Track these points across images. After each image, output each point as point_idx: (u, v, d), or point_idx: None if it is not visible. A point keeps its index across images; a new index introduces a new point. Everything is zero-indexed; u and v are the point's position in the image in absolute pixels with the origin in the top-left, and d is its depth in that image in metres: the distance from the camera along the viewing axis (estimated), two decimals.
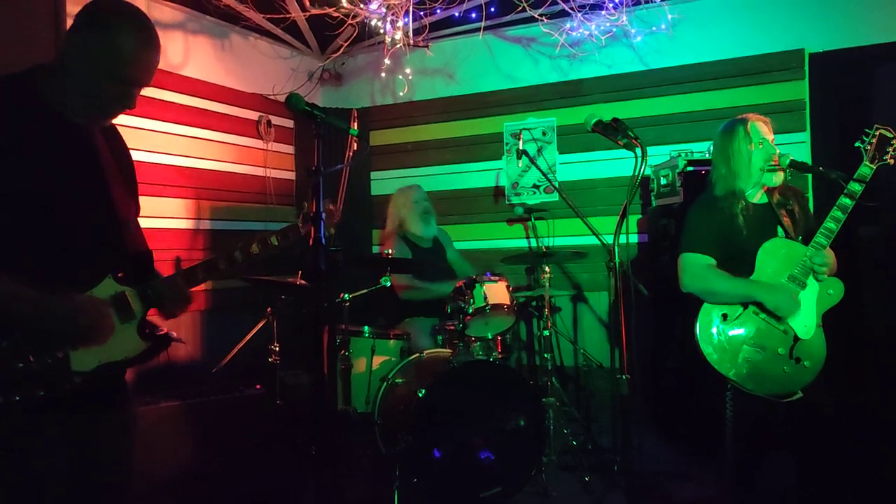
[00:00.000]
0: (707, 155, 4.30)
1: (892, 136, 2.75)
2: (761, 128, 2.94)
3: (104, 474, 1.94)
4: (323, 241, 1.84)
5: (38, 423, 1.73)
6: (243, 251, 2.09)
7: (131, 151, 4.55)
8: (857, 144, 2.80)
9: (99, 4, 1.86)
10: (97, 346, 1.77)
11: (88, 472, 1.89)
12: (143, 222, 4.54)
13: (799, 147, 4.68)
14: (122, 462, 2.01)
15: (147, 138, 4.53)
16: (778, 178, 2.91)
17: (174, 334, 4.82)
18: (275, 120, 5.58)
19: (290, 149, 5.86)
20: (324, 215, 2.02)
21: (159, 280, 1.99)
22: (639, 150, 2.25)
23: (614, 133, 2.36)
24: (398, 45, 4.84)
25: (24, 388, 1.68)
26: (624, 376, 2.27)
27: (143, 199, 4.49)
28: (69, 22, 3.64)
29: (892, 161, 2.73)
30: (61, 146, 1.83)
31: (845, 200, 2.73)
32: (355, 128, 3.84)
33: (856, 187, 2.72)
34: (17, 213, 1.71)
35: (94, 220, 1.86)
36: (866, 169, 2.73)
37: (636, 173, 2.24)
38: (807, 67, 4.73)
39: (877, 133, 2.76)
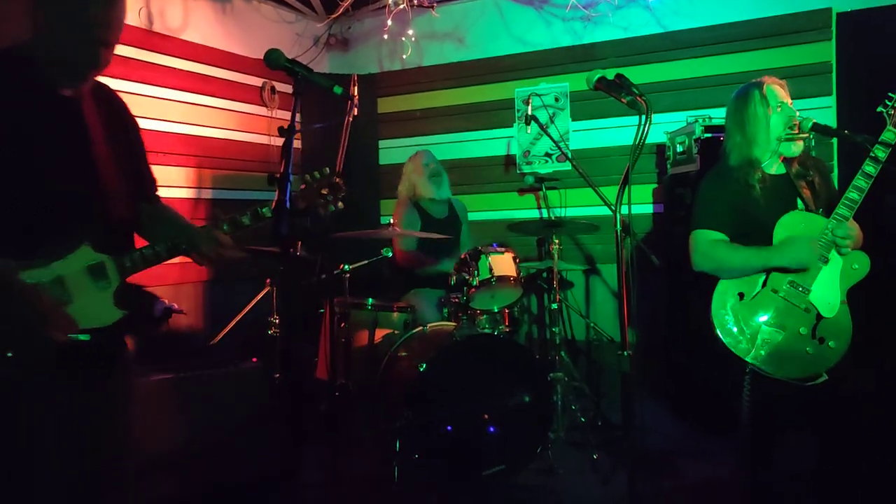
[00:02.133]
0: None
1: None
2: (778, 91, 2.74)
3: (99, 440, 1.93)
4: (287, 205, 1.70)
5: (29, 386, 1.74)
6: (231, 223, 2.05)
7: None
8: (878, 109, 2.60)
9: None
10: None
11: (83, 437, 1.89)
12: None
13: (824, 112, 4.45)
14: (117, 429, 2.01)
15: (145, 104, 4.41)
16: (797, 148, 2.72)
17: (175, 306, 4.75)
18: (279, 86, 5.42)
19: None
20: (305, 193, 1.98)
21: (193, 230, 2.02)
22: (643, 108, 2.07)
23: (618, 90, 2.18)
24: (401, 6, 4.64)
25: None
26: (626, 352, 2.10)
27: None
28: None
29: None
30: (42, 116, 1.84)
31: (869, 168, 2.54)
32: (354, 92, 3.71)
33: (880, 154, 2.53)
34: None
35: (73, 189, 1.87)
36: (890, 134, 2.54)
37: (640, 132, 2.06)
38: (834, 27, 4.48)
39: None
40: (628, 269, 2.21)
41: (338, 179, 2.14)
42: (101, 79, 2.03)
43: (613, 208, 2.14)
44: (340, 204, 2.16)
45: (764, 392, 2.54)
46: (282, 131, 1.81)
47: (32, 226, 1.79)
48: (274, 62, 1.99)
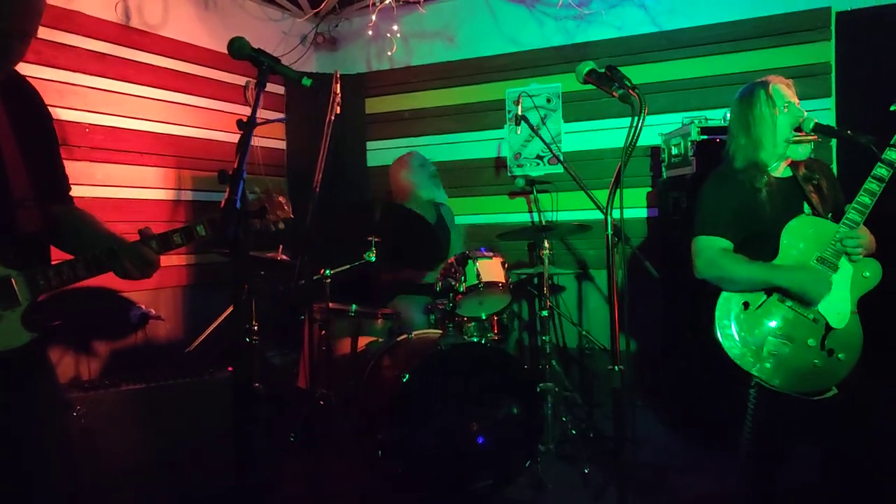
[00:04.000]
0: (723, 122, 3.96)
1: None
2: (785, 91, 2.62)
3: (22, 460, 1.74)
4: (237, 205, 1.53)
5: None
6: (162, 241, 1.87)
7: (105, 116, 4.17)
8: (892, 108, 2.50)
9: None
10: None
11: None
12: (117, 192, 4.25)
13: (824, 113, 4.34)
14: (42, 450, 1.79)
15: (123, 102, 4.23)
16: (805, 150, 2.60)
17: (153, 311, 4.55)
18: None
19: (280, 116, 5.56)
20: (266, 206, 1.82)
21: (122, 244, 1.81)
22: (636, 102, 1.92)
23: (609, 83, 2.04)
24: (387, 2, 4.50)
25: None
26: (617, 367, 1.95)
27: (116, 167, 4.24)
28: None
29: None
30: None
31: (881, 171, 2.42)
32: (337, 90, 3.56)
33: (892, 155, 2.42)
34: None
35: None
36: None
37: (633, 130, 1.91)
38: (833, 27, 4.37)
39: None
40: (620, 276, 2.07)
41: (280, 198, 1.96)
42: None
43: (605, 212, 1.99)
44: (281, 225, 1.98)
45: (769, 406, 2.41)
46: (241, 125, 1.64)
47: None
48: (238, 51, 1.84)
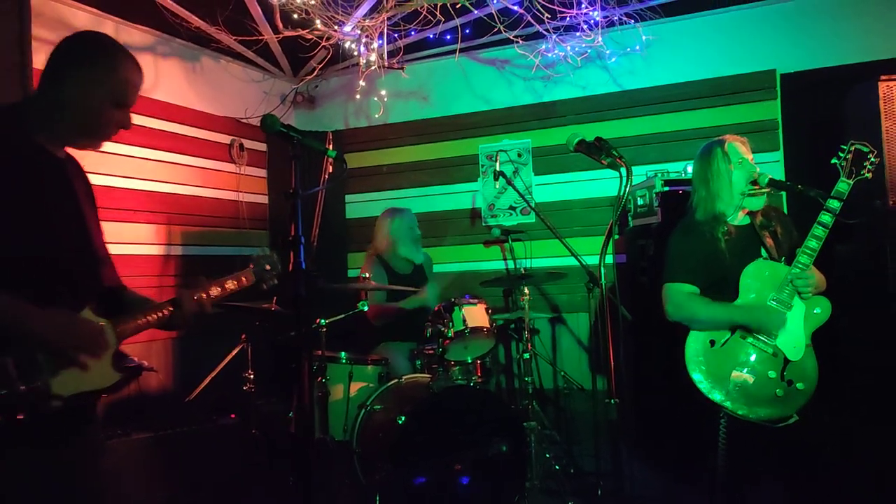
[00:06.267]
0: (683, 175, 4.30)
1: (867, 150, 2.75)
2: (739, 147, 2.93)
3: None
4: (303, 265, 1.75)
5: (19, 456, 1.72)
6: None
7: (100, 176, 4.41)
8: (833, 161, 2.80)
9: (86, 39, 1.97)
10: (93, 360, 1.79)
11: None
12: (113, 248, 4.40)
13: (772, 166, 4.71)
14: (92, 493, 1.98)
15: (115, 163, 4.42)
16: (759, 202, 2.90)
17: (145, 363, 4.68)
18: (247, 143, 5.50)
19: (263, 172, 5.77)
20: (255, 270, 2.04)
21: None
22: (623, 170, 2.21)
23: (598, 152, 2.33)
24: (373, 68, 4.79)
25: (7, 411, 1.67)
26: (612, 401, 2.20)
27: (111, 225, 4.39)
28: (35, 47, 3.63)
29: (869, 175, 2.73)
30: (44, 178, 1.87)
31: (825, 217, 2.72)
32: (332, 150, 3.80)
33: (835, 204, 2.72)
34: (4, 245, 1.75)
35: (75, 252, 1.90)
36: (844, 185, 2.74)
37: (622, 192, 2.20)
38: (779, 87, 4.78)
39: (852, 148, 2.77)
40: (601, 318, 2.32)
41: (268, 266, 2.19)
42: None
43: (598, 265, 2.25)
44: (264, 287, 2.23)
45: (739, 435, 2.66)
46: (287, 196, 1.88)
47: (43, 287, 1.78)
48: (269, 127, 2.07)
